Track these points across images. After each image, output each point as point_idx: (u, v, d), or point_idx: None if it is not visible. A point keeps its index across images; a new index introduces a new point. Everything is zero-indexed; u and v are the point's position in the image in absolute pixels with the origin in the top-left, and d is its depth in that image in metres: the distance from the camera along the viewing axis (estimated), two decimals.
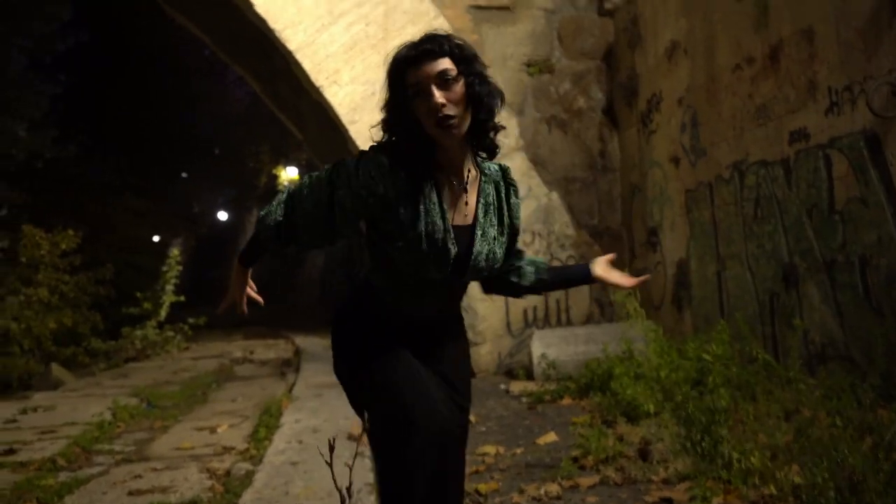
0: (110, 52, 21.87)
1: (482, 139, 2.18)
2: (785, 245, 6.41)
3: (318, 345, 16.21)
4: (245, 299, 2.57)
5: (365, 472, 4.47)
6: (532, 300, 9.05)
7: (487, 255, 2.23)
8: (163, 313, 16.55)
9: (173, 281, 16.77)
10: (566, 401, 6.67)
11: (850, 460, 3.01)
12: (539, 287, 2.53)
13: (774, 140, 6.42)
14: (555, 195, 9.21)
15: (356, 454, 2.15)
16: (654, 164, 8.55)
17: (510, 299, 8.99)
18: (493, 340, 8.92)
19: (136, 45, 25.10)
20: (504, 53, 9.08)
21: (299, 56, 8.13)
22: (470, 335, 9.42)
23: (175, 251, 17.21)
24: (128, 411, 8.31)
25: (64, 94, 15.79)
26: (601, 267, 2.48)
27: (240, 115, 30.03)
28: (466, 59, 2.07)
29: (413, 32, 8.83)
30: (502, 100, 2.17)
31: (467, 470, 4.01)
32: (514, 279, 2.51)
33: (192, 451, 6.38)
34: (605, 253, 9.34)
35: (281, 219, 2.24)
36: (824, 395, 5.41)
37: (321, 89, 8.15)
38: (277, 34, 8.13)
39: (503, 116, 7.91)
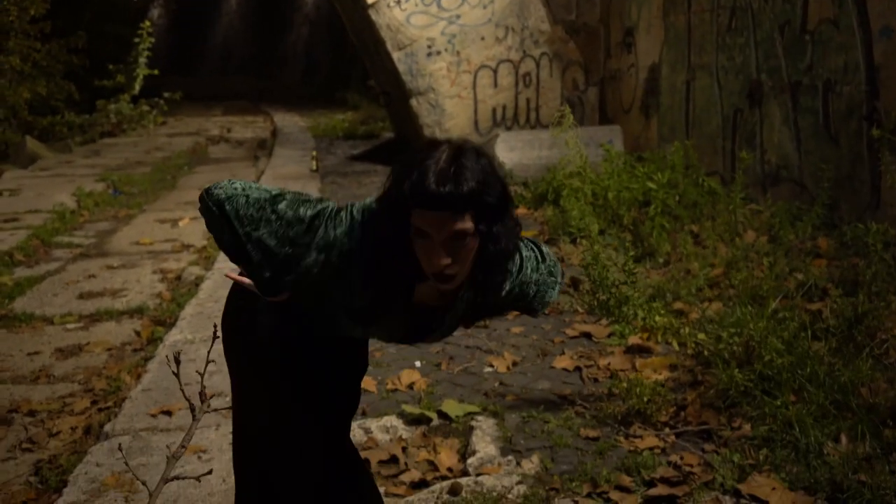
0: None
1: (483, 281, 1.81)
2: (754, 60, 6.20)
3: (296, 125, 16.07)
4: None
5: None
6: (501, 99, 8.87)
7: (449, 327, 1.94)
8: (137, 87, 16.17)
9: (146, 53, 16.23)
10: (520, 210, 6.71)
11: (750, 326, 3.07)
12: None
13: None
14: None
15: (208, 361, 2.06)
16: None
17: (479, 96, 8.81)
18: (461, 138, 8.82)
19: None
20: None
21: None
22: (437, 132, 9.23)
23: (147, 23, 16.51)
24: (93, 199, 8.35)
25: None
26: None
27: None
28: (491, 217, 1.67)
29: None
30: (515, 249, 1.80)
31: None
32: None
33: (151, 248, 6.48)
34: (580, 51, 9.07)
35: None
36: (771, 217, 5.49)
37: None
38: None
39: None
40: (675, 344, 3.46)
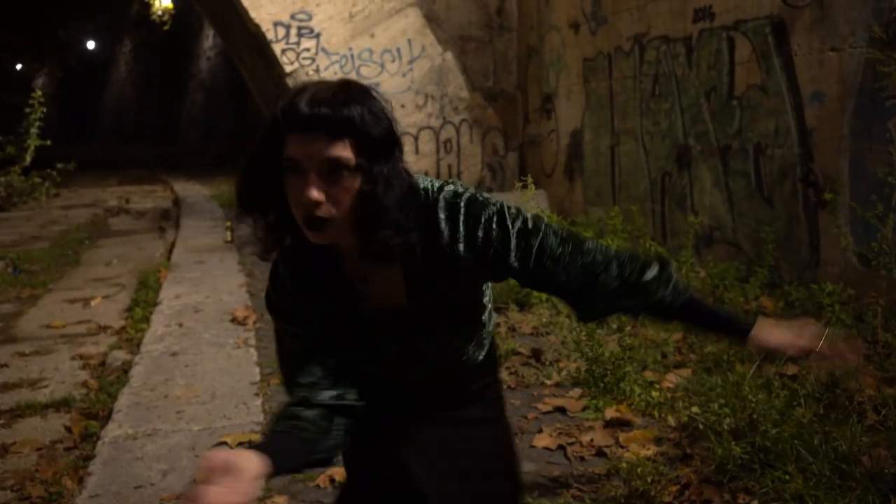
0: None
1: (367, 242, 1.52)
2: (681, 125, 6.32)
3: (199, 193, 15.59)
4: None
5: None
6: (423, 165, 8.80)
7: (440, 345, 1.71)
8: (28, 158, 15.43)
9: (37, 123, 15.54)
10: None
11: (749, 397, 3.00)
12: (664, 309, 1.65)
13: (678, 16, 6.20)
14: (449, 55, 8.80)
15: None
16: (553, 27, 8.21)
17: None
18: None
19: None
20: None
21: None
22: None
23: (38, 91, 15.83)
24: None
25: None
26: (768, 332, 1.63)
27: None
28: (375, 148, 1.44)
29: None
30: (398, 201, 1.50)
31: None
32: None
33: (64, 331, 6.02)
34: (499, 117, 9.15)
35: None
36: (709, 278, 5.53)
37: None
38: None
39: None
40: (669, 418, 3.35)
